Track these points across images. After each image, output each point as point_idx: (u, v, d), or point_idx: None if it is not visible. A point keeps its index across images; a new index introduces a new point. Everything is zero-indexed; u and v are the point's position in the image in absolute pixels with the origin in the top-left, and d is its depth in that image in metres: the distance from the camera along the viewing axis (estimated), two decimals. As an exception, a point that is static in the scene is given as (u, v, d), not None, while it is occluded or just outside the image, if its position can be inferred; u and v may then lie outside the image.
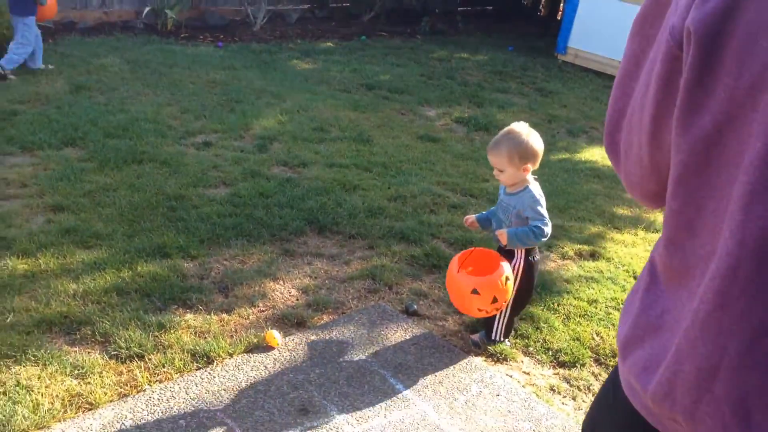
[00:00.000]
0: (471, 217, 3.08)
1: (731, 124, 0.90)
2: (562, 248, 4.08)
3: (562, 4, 11.25)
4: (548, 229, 2.88)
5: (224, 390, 2.65)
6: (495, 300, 2.80)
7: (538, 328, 3.25)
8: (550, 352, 3.11)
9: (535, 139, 2.83)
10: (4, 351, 2.70)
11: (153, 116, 5.41)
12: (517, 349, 3.12)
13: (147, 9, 8.48)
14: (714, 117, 0.91)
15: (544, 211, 2.88)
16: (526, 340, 3.17)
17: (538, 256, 3.05)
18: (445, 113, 6.55)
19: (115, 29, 8.18)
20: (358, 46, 8.85)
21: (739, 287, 0.90)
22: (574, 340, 3.20)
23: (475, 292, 2.78)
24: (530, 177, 2.90)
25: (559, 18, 11.19)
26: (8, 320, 2.90)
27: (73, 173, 4.29)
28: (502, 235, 2.87)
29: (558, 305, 3.47)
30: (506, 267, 2.83)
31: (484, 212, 3.12)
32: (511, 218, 2.91)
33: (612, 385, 1.18)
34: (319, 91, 6.72)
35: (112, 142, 4.82)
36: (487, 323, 3.08)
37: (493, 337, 3.08)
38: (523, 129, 2.84)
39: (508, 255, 2.95)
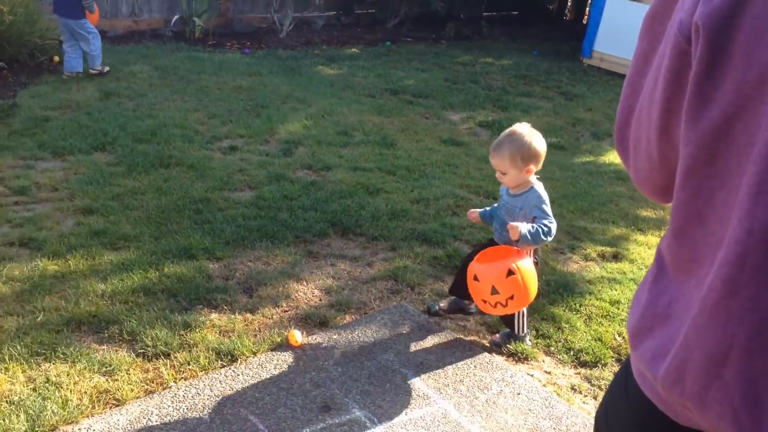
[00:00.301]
0: (474, 212, 3.10)
1: (740, 116, 0.92)
2: (585, 250, 4.07)
3: (587, 8, 11.21)
4: (555, 228, 2.87)
5: (248, 387, 2.70)
6: (495, 291, 2.78)
7: (559, 329, 3.26)
8: (572, 352, 3.11)
9: (537, 140, 2.83)
10: (35, 349, 2.78)
11: (180, 121, 5.51)
12: (538, 348, 3.12)
13: (175, 17, 8.62)
14: (723, 109, 0.93)
15: (549, 210, 2.87)
16: (548, 340, 3.17)
17: (538, 257, 3.05)
18: (469, 117, 6.57)
19: (145, 37, 8.33)
20: (383, 52, 8.91)
21: (747, 275, 0.91)
22: (596, 340, 3.20)
23: (475, 279, 2.82)
24: (533, 178, 2.89)
25: (585, 22, 11.15)
26: (39, 319, 2.98)
27: (103, 177, 4.39)
28: (514, 229, 2.79)
29: (580, 306, 3.46)
30: (514, 261, 2.79)
31: (487, 208, 3.13)
32: (518, 219, 2.89)
33: (624, 375, 1.20)
34: (343, 96, 6.77)
35: (141, 147, 4.91)
36: (509, 322, 3.09)
37: (516, 332, 3.09)
38: (525, 130, 2.83)
39: None
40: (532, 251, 2.95)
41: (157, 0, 8.63)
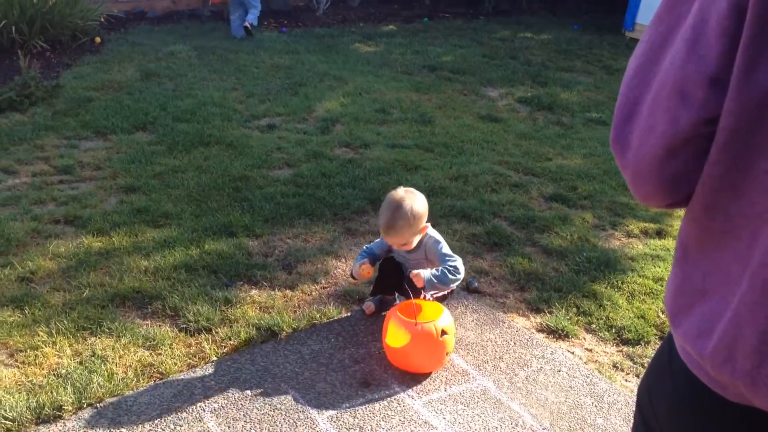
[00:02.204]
0: (367, 267, 2.89)
1: None
2: (627, 226, 4.00)
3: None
4: (461, 264, 2.85)
5: (288, 362, 2.72)
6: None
7: (601, 306, 3.22)
8: (614, 330, 3.07)
9: (419, 202, 2.79)
10: (81, 323, 2.84)
11: (219, 101, 5.54)
12: (579, 326, 3.09)
13: (213, -3, 8.67)
14: None
15: (448, 248, 2.88)
16: (589, 318, 3.14)
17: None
18: (508, 93, 6.49)
19: (183, 18, 8.38)
20: (420, 28, 8.83)
21: None
22: (638, 317, 3.15)
23: (444, 334, 2.69)
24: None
25: (627, -6, 10.89)
26: (84, 294, 3.04)
27: (144, 156, 4.45)
28: (418, 278, 2.78)
29: (622, 283, 3.41)
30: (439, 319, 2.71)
31: (364, 252, 3.00)
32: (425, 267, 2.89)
33: (668, 349, 1.17)
34: (381, 73, 6.74)
35: (181, 126, 4.96)
36: None
37: None
38: (405, 201, 2.76)
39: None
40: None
41: (195, -20, 8.69)
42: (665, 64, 1.00)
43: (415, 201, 2.78)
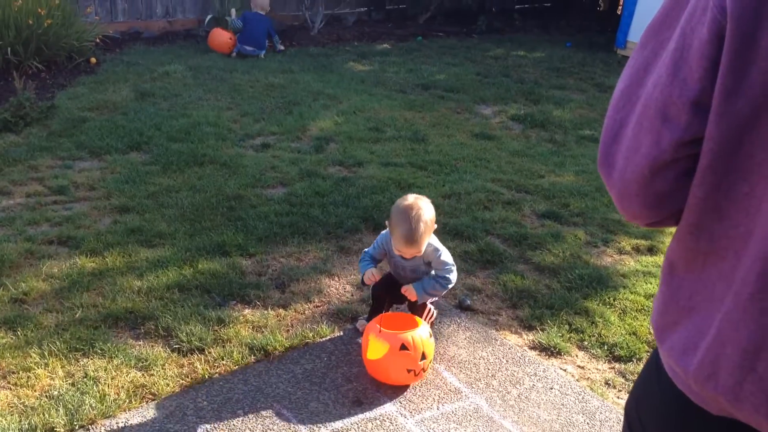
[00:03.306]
0: (371, 274, 2.92)
1: (767, 107, 0.91)
2: (619, 243, 4.02)
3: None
4: (454, 277, 2.86)
5: (281, 382, 2.73)
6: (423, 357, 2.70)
7: (593, 323, 3.23)
8: (606, 347, 3.08)
9: (431, 208, 2.79)
10: (74, 344, 2.84)
11: (214, 120, 5.57)
12: (571, 343, 3.10)
13: (209, 17, 8.70)
14: (750, 101, 0.91)
15: (447, 256, 2.87)
16: (581, 335, 3.15)
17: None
18: (501, 111, 6.53)
19: (179, 38, 8.43)
20: (414, 47, 8.89)
21: None
22: (630, 334, 3.16)
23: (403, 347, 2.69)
24: None
25: (619, 12, 11.00)
26: (77, 315, 3.05)
27: (138, 176, 4.46)
28: (410, 292, 2.83)
29: (614, 300, 3.43)
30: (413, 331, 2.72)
31: (368, 258, 2.97)
32: (421, 274, 2.91)
33: (655, 366, 1.19)
34: (375, 92, 6.78)
35: (175, 146, 4.98)
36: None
37: None
38: (422, 212, 2.72)
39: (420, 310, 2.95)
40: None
41: (191, 1, 8.74)
42: (648, 87, 1.02)
43: (428, 207, 2.76)
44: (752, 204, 0.94)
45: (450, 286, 2.87)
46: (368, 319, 3.07)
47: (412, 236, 2.69)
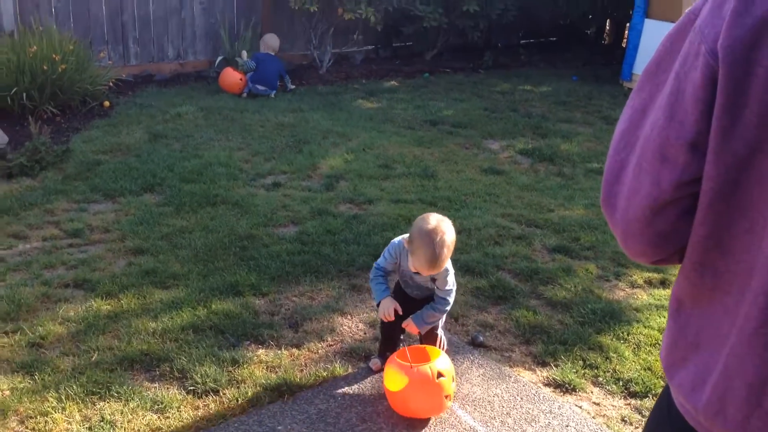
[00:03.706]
0: (389, 313, 2.89)
1: (763, 147, 0.94)
2: (631, 277, 4.03)
3: (626, 32, 11.16)
4: (452, 299, 2.91)
5: (295, 423, 2.73)
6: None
7: (607, 358, 3.22)
8: (621, 382, 3.07)
9: (452, 228, 2.78)
10: (90, 388, 2.87)
11: (225, 160, 5.64)
12: (586, 379, 3.09)
13: (219, 58, 8.84)
14: (746, 142, 0.95)
15: (453, 277, 2.91)
16: (596, 370, 3.14)
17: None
18: (509, 146, 6.58)
19: (190, 79, 8.57)
20: (421, 83, 9.00)
21: None
22: (645, 369, 3.15)
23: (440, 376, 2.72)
24: None
25: (623, 45, 11.09)
26: (93, 358, 3.08)
27: (152, 217, 4.52)
28: (411, 327, 2.89)
29: (628, 334, 3.42)
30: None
31: (379, 273, 2.95)
32: (425, 291, 2.96)
33: (666, 402, 1.21)
34: (383, 129, 6.86)
35: (188, 187, 5.04)
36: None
37: None
38: (446, 235, 2.71)
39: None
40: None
41: (202, 42, 8.89)
42: (646, 129, 1.06)
43: (450, 230, 2.76)
44: (753, 240, 0.96)
45: (447, 308, 2.90)
46: (380, 355, 3.08)
47: (435, 260, 2.70)
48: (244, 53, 8.12)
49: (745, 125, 0.94)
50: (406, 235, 2.84)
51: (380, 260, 2.96)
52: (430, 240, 2.67)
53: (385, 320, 2.91)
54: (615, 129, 1.14)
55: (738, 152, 0.95)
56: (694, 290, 1.08)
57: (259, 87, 7.89)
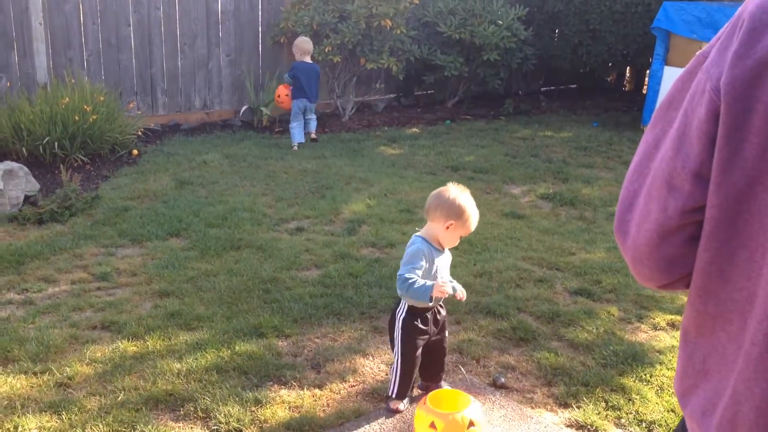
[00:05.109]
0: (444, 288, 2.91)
1: (762, 179, 0.99)
2: (654, 319, 4.02)
3: (646, 78, 11.27)
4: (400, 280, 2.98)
5: (317, 462, 2.74)
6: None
7: (630, 400, 3.21)
8: (644, 424, 3.05)
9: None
10: (116, 427, 2.91)
11: (250, 206, 5.75)
12: (608, 421, 3.07)
13: (244, 108, 9.08)
14: (745, 174, 1.00)
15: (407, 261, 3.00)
16: (618, 412, 3.12)
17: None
18: (530, 190, 6.63)
19: (216, 128, 8.78)
20: (443, 130, 9.13)
21: None
22: (668, 411, 3.13)
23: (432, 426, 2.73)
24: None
25: (644, 92, 11.18)
26: (119, 398, 3.12)
27: (178, 261, 4.61)
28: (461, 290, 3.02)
29: (651, 376, 3.41)
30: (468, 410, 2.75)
31: (414, 277, 2.91)
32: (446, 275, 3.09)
33: (682, 429, 1.24)
34: (405, 174, 6.95)
35: (213, 232, 5.14)
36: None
37: (389, 393, 3.11)
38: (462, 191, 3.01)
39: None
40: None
41: (228, 93, 9.14)
42: (657, 161, 1.13)
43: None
44: (753, 269, 1.01)
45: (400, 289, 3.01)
46: (400, 396, 3.08)
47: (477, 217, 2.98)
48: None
49: (745, 158, 1.00)
50: (418, 236, 3.01)
51: (406, 272, 2.90)
52: (467, 198, 2.95)
53: (443, 295, 2.90)
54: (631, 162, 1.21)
55: (738, 183, 1.01)
56: (698, 318, 1.12)
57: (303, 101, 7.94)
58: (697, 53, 1.13)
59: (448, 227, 2.93)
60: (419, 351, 3.06)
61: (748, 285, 1.02)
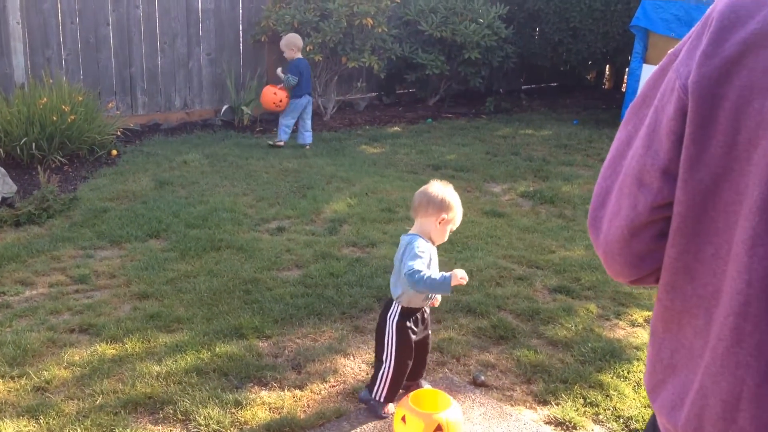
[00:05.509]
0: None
1: (727, 177, 1.01)
2: (631, 315, 4.05)
3: (625, 77, 11.35)
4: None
5: (297, 463, 2.74)
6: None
7: (608, 396, 3.24)
8: (621, 420, 3.08)
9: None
10: (94, 431, 2.89)
11: (230, 206, 5.73)
12: (586, 417, 3.10)
13: (225, 107, 9.03)
14: (712, 171, 1.02)
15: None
16: (596, 408, 3.15)
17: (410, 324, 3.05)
18: (511, 188, 6.66)
19: (196, 127, 8.73)
20: (424, 129, 9.14)
21: (751, 323, 0.99)
22: (645, 407, 3.16)
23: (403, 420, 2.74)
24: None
25: (623, 90, 11.26)
26: (98, 402, 3.10)
27: (157, 263, 4.58)
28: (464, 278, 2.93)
29: (628, 373, 3.44)
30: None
31: (425, 270, 2.90)
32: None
33: (652, 427, 1.25)
34: (386, 173, 6.95)
35: (193, 232, 5.12)
36: (371, 379, 3.09)
37: (372, 395, 3.07)
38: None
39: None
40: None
41: (208, 92, 9.09)
42: (629, 159, 1.15)
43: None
44: (719, 265, 1.03)
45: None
46: (388, 400, 3.07)
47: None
48: (279, 70, 7.94)
49: (711, 155, 1.02)
50: (414, 234, 3.02)
51: (417, 264, 2.87)
52: (453, 192, 3.02)
53: (463, 282, 2.89)
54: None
55: (704, 180, 1.03)
56: (666, 314, 1.14)
57: (306, 134, 7.89)
58: (669, 52, 1.15)
59: (440, 222, 2.96)
60: (413, 352, 3.06)
61: (714, 281, 1.04)
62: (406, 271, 2.86)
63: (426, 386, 3.21)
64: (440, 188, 3.00)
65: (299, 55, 7.86)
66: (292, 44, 7.81)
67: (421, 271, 2.85)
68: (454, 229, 3.06)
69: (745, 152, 0.99)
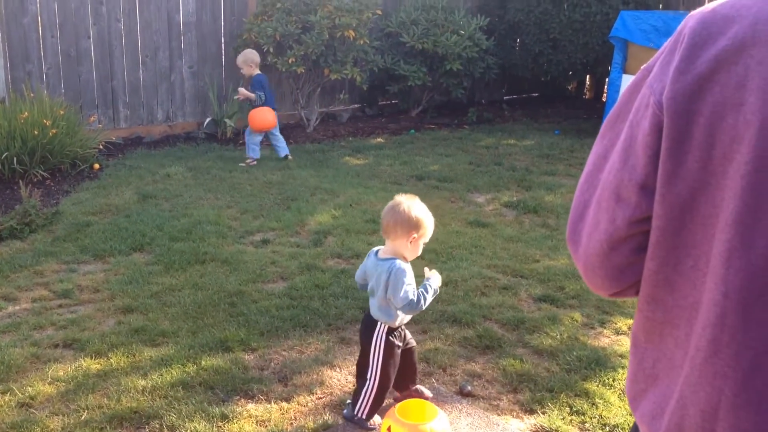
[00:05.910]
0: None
1: (704, 191, 1.04)
2: (616, 324, 4.09)
3: (605, 87, 11.46)
4: None
5: (285, 476, 2.74)
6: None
7: (593, 404, 3.26)
8: (608, 428, 3.10)
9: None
10: (80, 446, 2.87)
11: (214, 218, 5.71)
12: (573, 425, 3.12)
13: (208, 120, 9.02)
14: (688, 185, 1.05)
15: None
16: (582, 417, 3.17)
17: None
18: (494, 198, 6.70)
19: (179, 140, 8.70)
20: (407, 140, 9.17)
21: (728, 334, 1.01)
22: (631, 414, 3.18)
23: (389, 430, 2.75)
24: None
25: (603, 100, 11.37)
26: (83, 417, 3.08)
27: (141, 276, 4.56)
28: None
29: (613, 380, 3.47)
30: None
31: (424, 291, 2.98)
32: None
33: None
34: (370, 185, 6.97)
35: (177, 246, 5.10)
36: (354, 396, 3.10)
37: (355, 412, 3.06)
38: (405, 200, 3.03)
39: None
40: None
41: (191, 105, 9.07)
42: (606, 173, 1.17)
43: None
44: (698, 277, 1.05)
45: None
46: (369, 415, 3.07)
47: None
48: (242, 89, 7.80)
49: (688, 170, 1.04)
50: (390, 259, 2.98)
51: (410, 293, 2.92)
52: (420, 206, 2.98)
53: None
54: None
55: (682, 194, 1.05)
56: (647, 324, 1.16)
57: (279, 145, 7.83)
58: (642, 67, 1.17)
59: (411, 241, 2.95)
60: (397, 368, 3.07)
61: (694, 292, 1.06)
62: (404, 304, 2.91)
63: (426, 392, 3.23)
64: (406, 206, 2.93)
65: (257, 71, 7.75)
66: (250, 60, 7.71)
67: (419, 300, 2.93)
68: (427, 241, 3.06)
69: (720, 166, 1.01)
